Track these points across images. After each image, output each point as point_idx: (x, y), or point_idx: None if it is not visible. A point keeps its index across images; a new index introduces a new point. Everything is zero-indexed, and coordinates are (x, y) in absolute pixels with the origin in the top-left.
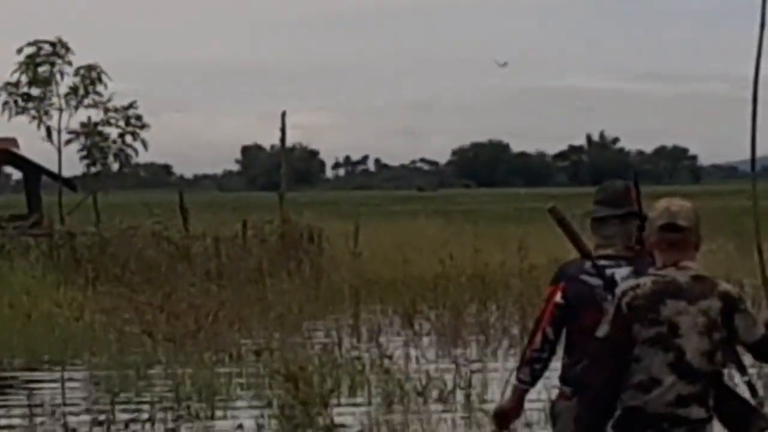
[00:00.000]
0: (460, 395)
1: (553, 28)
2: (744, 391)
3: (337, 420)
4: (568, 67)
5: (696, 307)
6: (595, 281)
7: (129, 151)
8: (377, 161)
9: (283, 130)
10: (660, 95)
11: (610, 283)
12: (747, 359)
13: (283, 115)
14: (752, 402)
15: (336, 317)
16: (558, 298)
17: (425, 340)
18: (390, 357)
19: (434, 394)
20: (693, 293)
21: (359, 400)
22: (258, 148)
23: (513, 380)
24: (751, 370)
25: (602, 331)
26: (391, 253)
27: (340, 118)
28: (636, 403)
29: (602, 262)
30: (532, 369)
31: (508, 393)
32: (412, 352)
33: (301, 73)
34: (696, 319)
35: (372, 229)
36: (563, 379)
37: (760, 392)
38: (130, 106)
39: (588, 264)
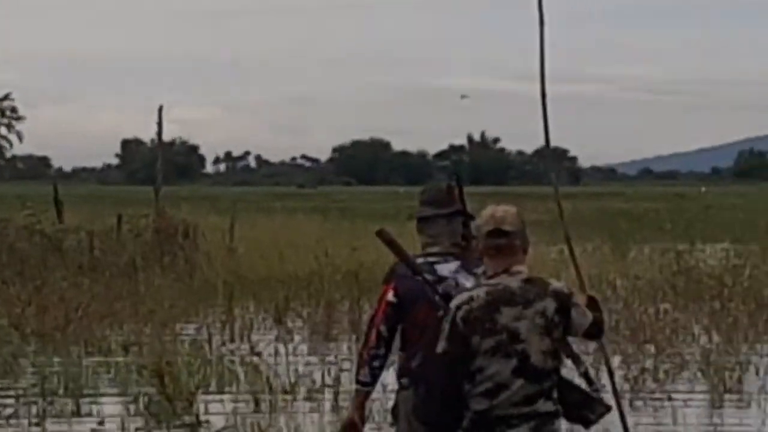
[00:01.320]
0: (328, 393)
1: (436, 28)
2: (581, 381)
3: (204, 416)
4: (450, 66)
5: (532, 310)
6: (427, 276)
7: (3, 143)
8: (258, 157)
9: (159, 124)
10: (533, 96)
11: (440, 279)
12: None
13: (160, 109)
14: (589, 390)
15: (208, 313)
16: (390, 296)
17: (297, 337)
18: (259, 354)
19: (302, 391)
20: (527, 297)
21: (227, 396)
22: (138, 141)
23: (353, 385)
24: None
25: (440, 346)
26: (266, 249)
27: (221, 113)
28: (483, 407)
29: (430, 259)
30: (371, 368)
31: (351, 402)
32: (283, 350)
33: (184, 68)
34: (534, 322)
35: (249, 225)
36: (400, 373)
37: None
38: (5, 97)
39: (420, 260)
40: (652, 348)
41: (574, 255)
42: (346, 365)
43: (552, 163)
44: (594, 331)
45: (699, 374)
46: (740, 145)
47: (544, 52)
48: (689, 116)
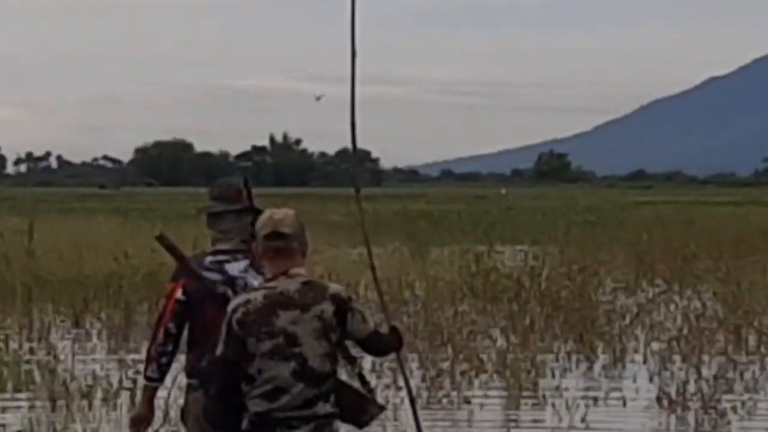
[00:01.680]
0: (125, 395)
1: (238, 29)
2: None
3: (0, 418)
4: (251, 67)
5: (310, 313)
6: (216, 276)
7: None
8: (59, 158)
9: None
10: (343, 97)
11: (230, 279)
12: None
13: None
14: (363, 391)
15: (6, 315)
16: (179, 294)
17: (95, 339)
18: (57, 356)
19: (99, 393)
20: (305, 300)
21: (23, 398)
22: None
23: (142, 381)
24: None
25: (219, 349)
26: (66, 251)
27: (22, 113)
28: (262, 408)
29: (219, 257)
30: (159, 365)
31: (141, 397)
32: (80, 352)
33: None
34: (312, 325)
35: (49, 226)
36: (189, 373)
37: (371, 381)
38: None
39: (208, 259)
40: (449, 349)
41: (372, 258)
42: (143, 367)
43: (356, 165)
44: (375, 348)
45: (495, 375)
46: (541, 147)
47: (356, 55)
48: (491, 118)
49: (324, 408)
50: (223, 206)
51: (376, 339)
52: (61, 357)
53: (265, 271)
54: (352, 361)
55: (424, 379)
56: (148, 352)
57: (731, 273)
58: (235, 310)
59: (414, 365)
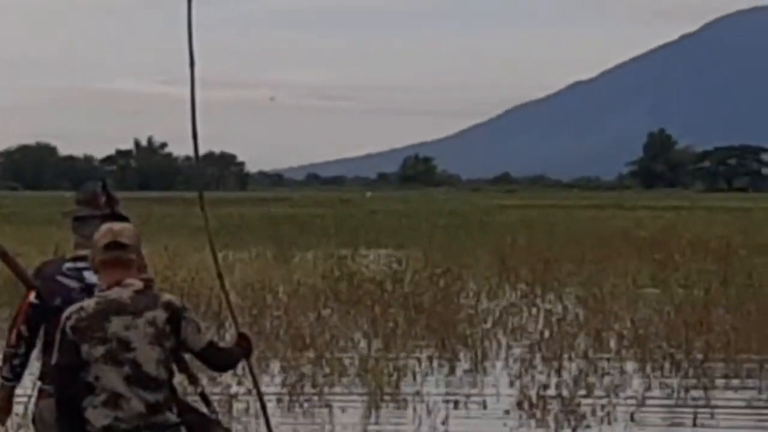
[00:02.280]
0: None
1: (97, 31)
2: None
3: None
4: (118, 70)
5: (143, 319)
6: (73, 284)
7: None
8: None
9: None
10: (208, 101)
11: (88, 287)
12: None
13: None
14: (207, 413)
15: None
16: (32, 298)
17: None
18: None
19: None
20: (137, 307)
21: None
22: None
23: None
24: (204, 382)
25: (54, 358)
26: None
27: None
28: (108, 421)
29: (79, 264)
30: (12, 366)
31: None
32: None
33: None
34: (145, 330)
35: None
36: (42, 377)
37: (215, 404)
38: None
39: (66, 266)
40: (311, 354)
41: (218, 264)
42: None
43: (198, 170)
44: (215, 362)
45: (357, 379)
46: (406, 151)
47: (194, 59)
48: (356, 122)
49: (171, 417)
50: (89, 211)
51: (213, 352)
52: None
53: (99, 282)
54: (194, 380)
55: (285, 384)
56: (4, 353)
57: (593, 276)
58: (68, 318)
59: (276, 369)
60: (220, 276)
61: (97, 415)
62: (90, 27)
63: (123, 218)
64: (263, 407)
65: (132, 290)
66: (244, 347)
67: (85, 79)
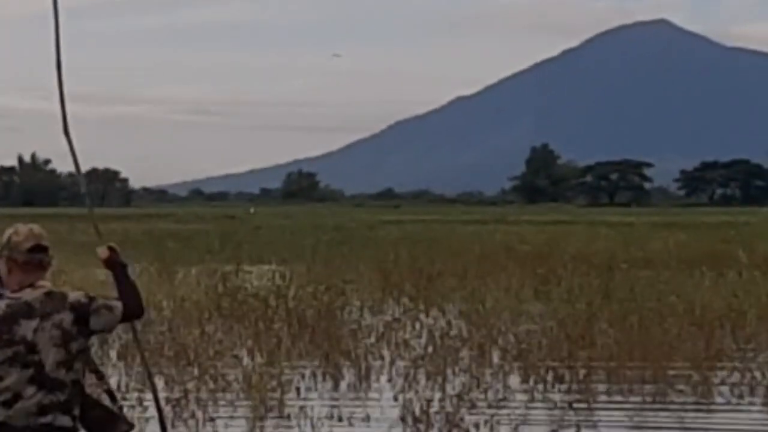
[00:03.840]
0: None
1: None
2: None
3: None
4: None
5: (50, 322)
6: None
7: None
8: None
9: None
10: (88, 117)
11: None
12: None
13: None
14: (113, 408)
15: None
16: None
17: None
18: None
19: None
20: (45, 310)
21: None
22: None
23: None
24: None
25: None
26: None
27: None
28: (1, 419)
29: None
30: None
31: None
32: None
33: None
34: (51, 333)
35: None
36: None
37: (119, 399)
38: None
39: None
40: (195, 370)
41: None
42: None
43: (88, 185)
44: (132, 315)
45: (241, 394)
46: (289, 167)
47: (61, 70)
48: (238, 137)
49: (63, 420)
50: None
51: (128, 310)
52: None
53: (5, 283)
54: (101, 377)
55: (169, 400)
56: None
57: (476, 291)
58: None
59: (160, 385)
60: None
61: None
62: None
63: None
64: (159, 411)
65: (41, 292)
66: (119, 267)
67: None
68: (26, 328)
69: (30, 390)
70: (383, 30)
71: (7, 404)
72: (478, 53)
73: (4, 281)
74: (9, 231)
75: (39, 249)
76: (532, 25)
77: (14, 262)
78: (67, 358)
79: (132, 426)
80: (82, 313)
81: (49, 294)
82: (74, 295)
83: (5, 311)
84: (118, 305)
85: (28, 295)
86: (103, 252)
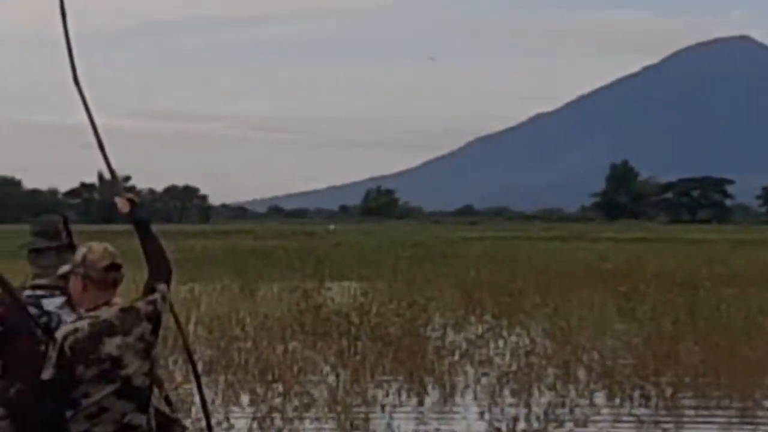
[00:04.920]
0: None
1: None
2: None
3: None
4: (64, 103)
5: (132, 336)
6: (33, 309)
7: None
8: None
9: None
10: (167, 133)
11: (45, 314)
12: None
13: None
14: (170, 414)
15: None
16: None
17: None
18: None
19: None
20: (126, 326)
21: None
22: None
23: None
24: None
25: (47, 373)
26: None
27: None
28: (84, 427)
29: (37, 292)
30: None
31: None
32: None
33: None
34: (136, 347)
35: None
36: None
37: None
38: None
39: (25, 293)
40: (280, 386)
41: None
42: None
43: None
44: (163, 272)
45: (326, 411)
46: (368, 183)
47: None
48: (317, 154)
49: (139, 419)
50: (45, 243)
51: (161, 275)
52: None
53: (80, 301)
54: (160, 384)
55: (255, 416)
56: None
57: (559, 309)
58: (65, 337)
59: (245, 401)
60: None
61: (75, 426)
62: (34, 63)
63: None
64: (207, 420)
65: (117, 309)
66: (143, 224)
67: (36, 113)
68: (110, 345)
69: (118, 403)
70: (461, 47)
71: (92, 416)
72: (557, 70)
73: (76, 300)
74: (82, 249)
75: (114, 267)
76: (610, 42)
77: (90, 280)
78: (151, 367)
79: (185, 429)
80: (156, 320)
81: (124, 310)
82: (142, 306)
83: (90, 330)
84: (161, 287)
85: (105, 313)
86: (123, 205)
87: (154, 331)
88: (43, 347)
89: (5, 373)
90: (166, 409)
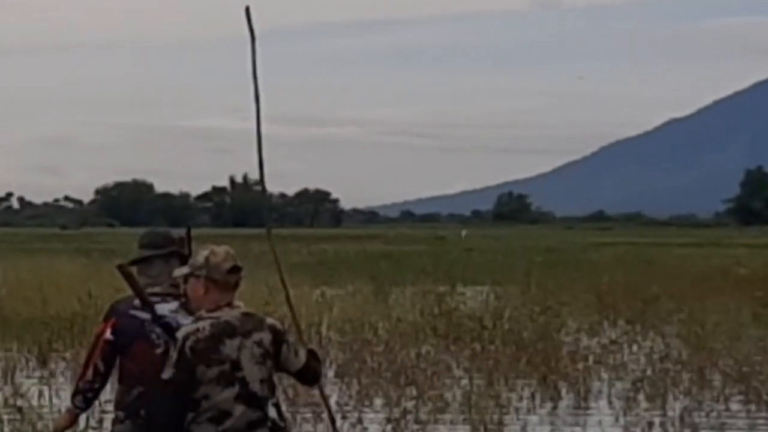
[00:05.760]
0: None
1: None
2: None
3: None
4: (198, 108)
5: (251, 340)
6: (145, 315)
7: None
8: (21, 199)
9: None
10: (297, 138)
11: (158, 318)
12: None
13: None
14: (281, 423)
15: None
16: (108, 334)
17: (60, 378)
18: (23, 395)
19: None
20: (246, 328)
21: None
22: None
23: (68, 404)
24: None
25: (167, 373)
26: (29, 291)
27: None
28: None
29: (152, 299)
30: (85, 398)
31: (64, 412)
32: (47, 392)
33: None
34: (253, 351)
35: (11, 266)
36: (117, 404)
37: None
38: None
39: (137, 301)
40: (413, 390)
41: (290, 299)
42: (108, 407)
43: (265, 205)
44: (309, 378)
45: (460, 416)
46: (500, 188)
47: (259, 98)
48: (449, 159)
49: (261, 429)
50: (152, 251)
51: (306, 371)
52: (27, 396)
53: (198, 303)
54: (273, 392)
55: (389, 420)
56: (77, 384)
57: (694, 314)
58: (186, 338)
59: (379, 405)
60: (292, 310)
61: (198, 430)
62: (168, 68)
63: (185, 258)
64: (332, 422)
65: (239, 312)
66: (316, 361)
67: (170, 118)
68: (230, 347)
69: (239, 408)
70: (592, 53)
71: (215, 421)
72: (690, 75)
73: (196, 302)
74: (204, 252)
75: (236, 270)
76: (745, 47)
77: (213, 282)
78: (267, 376)
79: None
80: (279, 338)
81: (246, 314)
82: (270, 320)
83: (211, 331)
84: (302, 357)
85: (226, 314)
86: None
87: (274, 344)
88: (158, 350)
89: (123, 378)
90: (276, 417)
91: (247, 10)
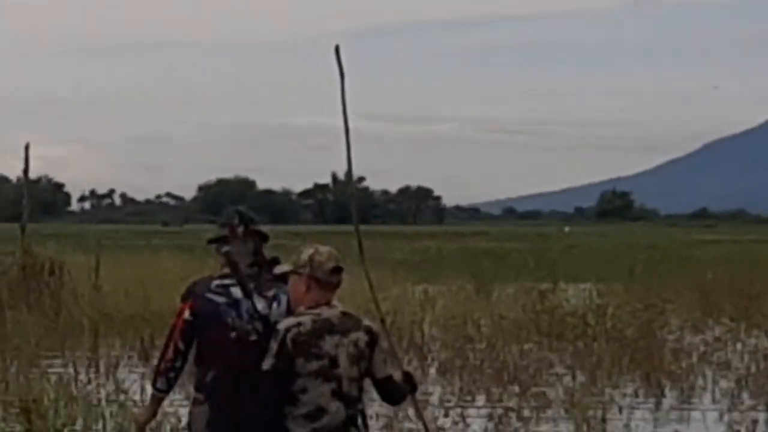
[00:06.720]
0: None
1: (284, 66)
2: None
3: None
4: (298, 106)
5: (348, 338)
6: (220, 299)
7: None
8: (123, 195)
9: (26, 162)
10: (399, 136)
11: (235, 302)
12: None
13: (27, 147)
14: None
15: (75, 350)
16: (187, 314)
17: None
18: (126, 392)
19: (168, 430)
20: (345, 327)
21: None
22: (5, 180)
23: (151, 390)
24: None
25: (267, 363)
26: (132, 287)
27: (78, 151)
28: (306, 429)
29: (226, 281)
30: (167, 378)
31: (149, 403)
32: (149, 387)
33: (36, 105)
34: (349, 350)
35: (114, 263)
36: (196, 387)
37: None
38: None
39: (214, 283)
40: (516, 387)
41: (375, 294)
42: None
43: (353, 196)
44: (391, 394)
45: (563, 413)
46: (603, 185)
47: (346, 102)
48: (551, 156)
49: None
50: (229, 231)
51: (390, 384)
52: (130, 392)
53: (299, 300)
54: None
55: (491, 417)
56: (158, 366)
57: None
58: (288, 330)
59: (481, 402)
60: (377, 304)
61: (295, 426)
62: (267, 67)
63: (263, 236)
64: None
65: (338, 311)
66: (410, 384)
67: (270, 116)
68: (330, 343)
69: (334, 405)
70: (694, 49)
71: (311, 417)
72: None
73: (297, 299)
74: (309, 250)
75: (338, 270)
76: None
77: (315, 280)
78: (359, 376)
79: None
80: (373, 340)
81: (345, 314)
82: (367, 321)
83: (312, 326)
84: (389, 371)
85: (326, 312)
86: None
87: (369, 346)
88: (232, 335)
89: (200, 361)
90: (360, 422)
91: (337, 49)
